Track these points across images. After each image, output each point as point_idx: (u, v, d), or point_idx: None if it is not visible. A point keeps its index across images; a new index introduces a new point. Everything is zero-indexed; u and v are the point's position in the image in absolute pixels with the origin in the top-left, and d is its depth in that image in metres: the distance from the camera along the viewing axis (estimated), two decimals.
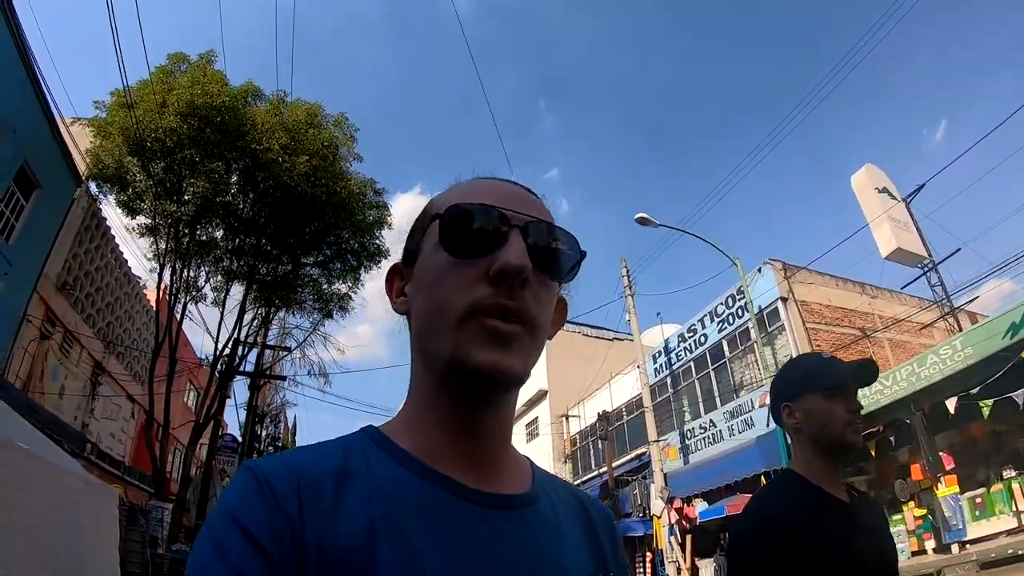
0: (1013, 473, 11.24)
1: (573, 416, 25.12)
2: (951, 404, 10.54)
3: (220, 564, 0.47)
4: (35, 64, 10.38)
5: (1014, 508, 10.85)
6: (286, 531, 0.50)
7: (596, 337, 28.34)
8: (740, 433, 16.27)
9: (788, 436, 1.51)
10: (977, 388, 10.04)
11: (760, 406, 15.45)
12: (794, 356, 1.62)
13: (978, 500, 11.58)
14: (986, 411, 10.18)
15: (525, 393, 28.83)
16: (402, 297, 0.68)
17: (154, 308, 16.37)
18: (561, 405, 26.11)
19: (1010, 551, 9.89)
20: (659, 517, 16.57)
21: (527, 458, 0.73)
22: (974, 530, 11.25)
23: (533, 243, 0.60)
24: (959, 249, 13.30)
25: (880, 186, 13.76)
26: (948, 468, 11.42)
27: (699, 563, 15.61)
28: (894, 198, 13.70)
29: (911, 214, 13.78)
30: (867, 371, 1.46)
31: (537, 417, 28.11)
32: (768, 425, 14.19)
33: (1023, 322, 9.67)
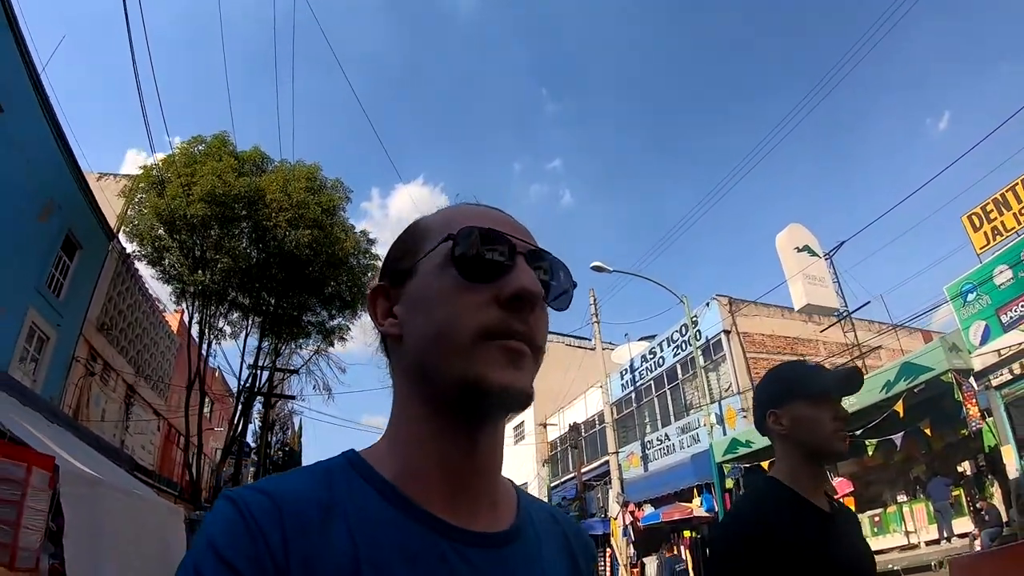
0: (905, 499, 13.35)
1: (552, 424, 27.31)
2: None
3: None
4: (69, 139, 12.63)
5: (904, 528, 12.96)
6: (270, 567, 0.49)
7: (577, 347, 30.50)
8: (688, 447, 18.43)
9: (772, 443, 1.49)
10: (860, 431, 12.07)
11: (703, 426, 17.59)
12: (774, 368, 1.60)
13: (876, 519, 13.71)
14: (870, 449, 12.25)
15: None
16: (390, 319, 0.66)
17: (174, 330, 18.82)
18: (543, 410, 28.35)
19: (904, 564, 12.03)
20: (615, 519, 18.85)
21: (512, 483, 0.72)
22: (873, 544, 13.35)
23: (535, 270, 0.62)
24: (868, 302, 15.35)
25: (801, 244, 15.68)
26: (847, 491, 13.43)
27: (645, 560, 17.88)
28: (815, 254, 15.65)
29: (834, 267, 15.77)
30: (853, 380, 1.47)
31: (523, 422, 30.42)
32: (713, 439, 16.30)
33: (898, 378, 11.69)
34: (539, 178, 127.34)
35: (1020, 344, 10.80)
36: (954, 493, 12.24)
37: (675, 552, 16.58)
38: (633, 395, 22.05)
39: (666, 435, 19.79)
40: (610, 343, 29.39)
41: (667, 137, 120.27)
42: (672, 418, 19.69)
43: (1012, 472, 10.75)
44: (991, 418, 11.07)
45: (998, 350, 11.21)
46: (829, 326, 19.22)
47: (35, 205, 11.26)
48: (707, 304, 18.70)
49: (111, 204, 14.57)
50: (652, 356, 21.19)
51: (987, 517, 10.92)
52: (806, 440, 1.40)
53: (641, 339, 26.00)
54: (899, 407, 11.32)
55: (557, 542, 0.70)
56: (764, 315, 18.90)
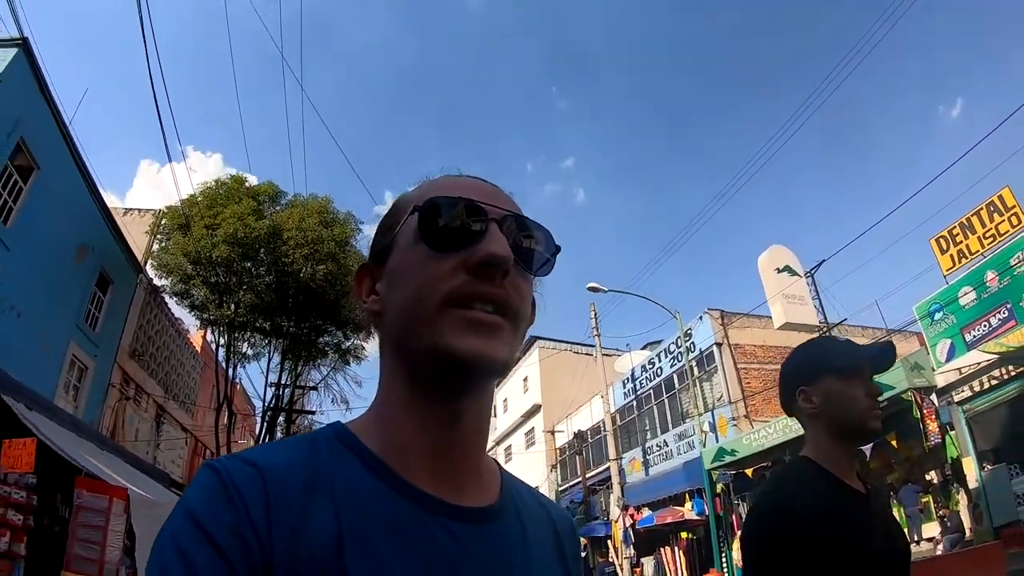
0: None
1: (559, 431, 28.30)
2: None
3: (182, 570, 0.46)
4: (98, 184, 13.89)
5: None
6: (251, 539, 0.48)
7: (585, 354, 31.41)
8: (685, 453, 19.28)
9: (801, 423, 1.42)
10: None
11: (697, 433, 18.43)
12: (801, 344, 1.51)
13: None
14: None
15: (522, 406, 32.32)
16: (373, 296, 0.66)
17: (198, 349, 20.18)
18: (553, 416, 29.33)
19: None
20: (616, 522, 19.81)
21: (497, 463, 0.73)
22: None
23: (510, 237, 0.61)
24: (845, 319, 16.00)
25: (782, 265, 16.43)
26: None
27: (643, 559, 18.84)
28: (796, 274, 16.41)
29: (816, 285, 16.51)
30: (886, 355, 1.43)
31: (534, 428, 31.45)
32: (704, 446, 17.14)
33: None
34: (553, 177, 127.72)
35: (979, 363, 11.55)
36: (923, 500, 13.01)
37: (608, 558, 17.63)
38: (634, 403, 22.94)
39: (664, 441, 20.67)
40: (616, 350, 30.40)
41: (680, 130, 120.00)
42: (670, 425, 20.55)
43: (972, 482, 11.51)
44: (954, 431, 11.83)
45: (959, 368, 11.96)
46: (818, 335, 19.89)
47: (71, 249, 12.55)
48: (700, 318, 19.52)
49: (136, 239, 15.88)
50: (651, 366, 22.06)
51: (949, 524, 11.72)
52: (839, 418, 1.34)
53: (645, 346, 26.90)
54: None
55: (543, 523, 0.70)
56: (756, 326, 19.62)
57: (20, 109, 10.65)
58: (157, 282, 15.81)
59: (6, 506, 5.93)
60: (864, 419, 1.34)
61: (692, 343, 19.55)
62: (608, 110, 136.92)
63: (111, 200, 16.14)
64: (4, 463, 5.90)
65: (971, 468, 11.54)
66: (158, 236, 15.39)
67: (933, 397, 11.85)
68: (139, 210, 16.57)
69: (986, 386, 11.59)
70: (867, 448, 12.45)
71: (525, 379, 32.91)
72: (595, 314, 22.16)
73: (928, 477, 13.14)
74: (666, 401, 21.00)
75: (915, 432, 12.18)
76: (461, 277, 0.58)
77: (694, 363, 19.24)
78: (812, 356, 1.45)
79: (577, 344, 31.80)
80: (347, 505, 0.54)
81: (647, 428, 22.20)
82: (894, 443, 12.28)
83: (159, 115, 12.68)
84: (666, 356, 21.04)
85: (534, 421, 31.50)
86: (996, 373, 11.42)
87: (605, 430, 21.14)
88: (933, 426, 11.47)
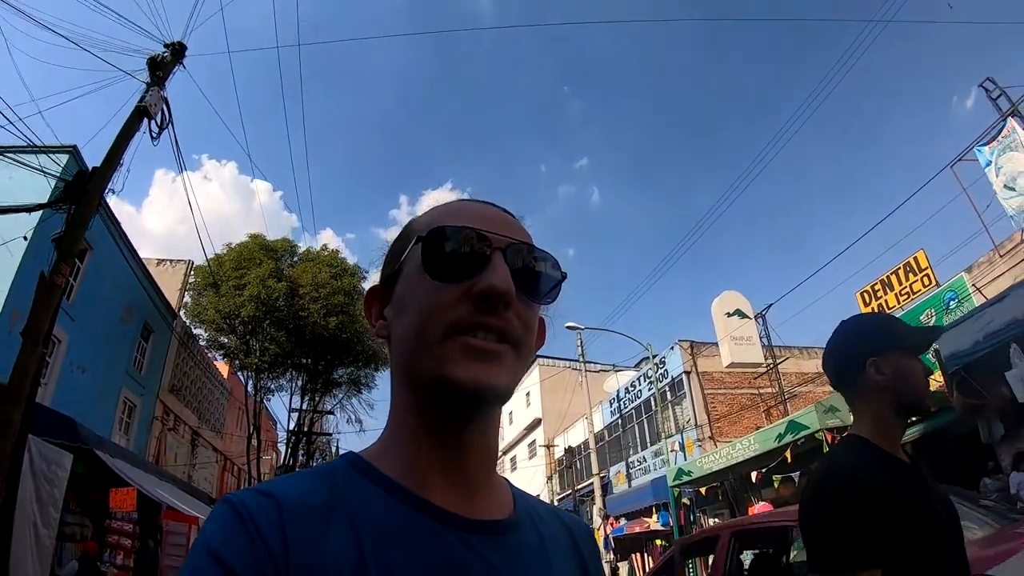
0: None
1: (554, 445, 30.55)
2: (753, 475, 15.45)
3: None
4: (137, 251, 16.45)
5: None
6: (270, 569, 0.49)
7: (591, 371, 33.59)
8: (659, 469, 21.33)
9: (853, 396, 1.39)
10: (764, 469, 14.88)
11: (671, 451, 20.50)
12: (853, 318, 1.48)
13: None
14: (776, 483, 15.03)
15: (525, 419, 34.66)
16: (381, 321, 0.68)
17: (225, 376, 22.83)
18: (552, 429, 31.55)
19: None
20: (598, 530, 22.01)
21: (507, 480, 0.73)
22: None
23: (515, 265, 0.61)
24: (787, 358, 17.81)
25: (731, 309, 18.37)
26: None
27: (619, 564, 21.03)
28: (746, 316, 18.33)
29: (766, 325, 18.41)
30: (933, 338, 1.44)
31: (535, 440, 33.74)
32: (670, 465, 19.20)
33: (786, 432, 14.43)
34: (567, 178, 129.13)
35: None
36: None
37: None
38: (620, 420, 25.02)
39: (644, 457, 22.74)
40: (613, 365, 32.55)
41: (694, 126, 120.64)
42: (648, 443, 22.61)
43: None
44: None
45: None
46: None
47: (119, 311, 15.11)
48: (672, 348, 21.54)
49: (169, 286, 18.50)
50: (633, 388, 24.11)
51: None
52: (906, 392, 1.32)
53: (640, 362, 28.95)
54: (788, 454, 14.10)
55: (560, 535, 0.71)
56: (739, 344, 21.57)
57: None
58: (193, 330, 18.45)
59: (119, 535, 8.99)
60: (925, 396, 1.34)
61: (665, 370, 21.58)
62: (619, 105, 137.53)
63: (144, 250, 18.90)
64: (113, 505, 8.54)
65: None
66: (189, 290, 17.98)
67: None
68: (171, 261, 19.22)
69: None
70: (796, 475, 14.45)
71: (527, 394, 35.18)
72: (581, 342, 24.28)
73: None
74: (645, 421, 23.05)
75: None
76: (464, 307, 0.59)
77: (667, 388, 21.29)
78: (880, 328, 1.41)
79: (576, 361, 33.98)
80: (365, 526, 0.54)
81: (631, 444, 24.27)
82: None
83: (190, 207, 15.10)
84: (645, 380, 23.08)
85: (535, 434, 33.78)
86: None
87: (588, 449, 23.28)
88: None
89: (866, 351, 1.37)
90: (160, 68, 7.09)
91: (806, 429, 13.89)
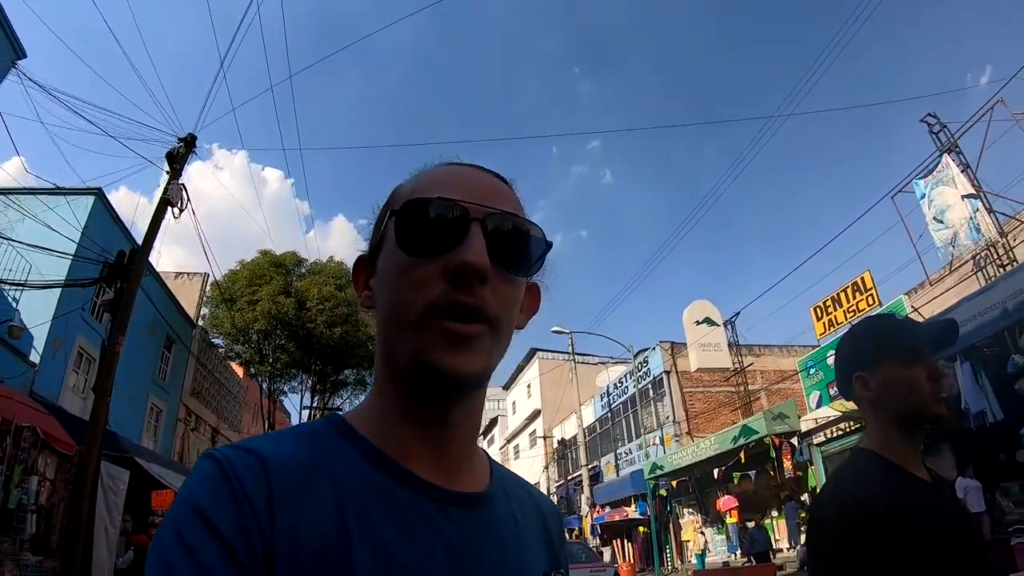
0: (776, 514, 17.69)
1: (551, 437, 32.44)
2: (715, 472, 17.08)
3: (185, 561, 0.46)
4: (159, 272, 18.29)
5: (774, 536, 17.35)
6: (254, 529, 0.49)
7: (581, 363, 35.23)
8: (643, 461, 23.05)
9: (860, 409, 1.34)
10: (724, 467, 16.48)
11: (652, 445, 22.19)
12: (857, 323, 1.41)
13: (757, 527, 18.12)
14: (736, 479, 16.65)
15: (525, 410, 36.57)
16: (367, 291, 0.67)
17: (240, 376, 24.78)
18: (551, 420, 33.40)
19: (778, 560, 16.48)
20: (585, 516, 23.87)
21: (486, 453, 0.74)
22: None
23: (494, 237, 0.59)
24: (752, 363, 19.26)
25: (701, 318, 19.86)
26: (732, 506, 17.83)
27: (603, 548, 22.90)
28: (715, 324, 19.80)
29: (735, 332, 19.90)
30: (949, 334, 1.34)
31: (535, 430, 35.65)
32: (649, 458, 20.89)
33: (740, 435, 16.00)
34: (579, 159, 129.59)
35: (828, 417, 14.91)
36: (801, 515, 16.50)
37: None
38: (609, 414, 26.73)
39: (630, 450, 24.47)
40: (610, 357, 34.20)
41: (703, 103, 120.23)
42: (634, 436, 24.31)
43: None
44: (813, 466, 15.26)
45: (816, 418, 15.34)
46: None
47: (145, 328, 16.92)
48: (654, 348, 23.10)
49: (187, 297, 20.34)
50: (621, 384, 25.75)
51: (803, 537, 15.28)
52: (900, 406, 1.25)
53: (638, 353, 30.61)
54: (742, 455, 15.69)
55: (530, 511, 0.72)
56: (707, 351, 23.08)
57: (102, 240, 14.95)
58: (211, 339, 20.39)
59: None
60: (927, 405, 1.23)
61: (648, 369, 23.18)
62: (630, 85, 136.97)
63: (162, 263, 20.85)
64: (155, 505, 10.39)
65: None
66: (206, 304, 19.88)
67: (795, 440, 15.27)
68: (188, 274, 21.13)
69: (838, 433, 14.96)
70: (752, 473, 16.06)
71: (528, 386, 37.06)
72: (572, 344, 25.94)
73: (803, 498, 16.63)
74: (631, 416, 24.73)
75: (780, 465, 15.70)
76: (441, 286, 0.57)
77: (649, 386, 22.92)
78: (870, 339, 1.33)
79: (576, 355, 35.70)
80: (347, 490, 0.55)
81: (620, 436, 26.00)
82: (771, 471, 15.81)
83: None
84: (631, 377, 24.71)
85: (536, 424, 35.67)
86: (843, 425, 14.78)
87: (578, 443, 25.05)
88: (788, 464, 14.96)
89: (852, 367, 1.33)
90: (176, 160, 8.68)
91: (756, 434, 15.48)
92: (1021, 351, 10.06)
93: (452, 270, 0.57)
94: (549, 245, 0.65)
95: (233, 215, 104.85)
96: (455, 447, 0.64)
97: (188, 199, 8.82)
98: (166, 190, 8.47)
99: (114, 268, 7.85)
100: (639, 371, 23.32)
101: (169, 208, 8.50)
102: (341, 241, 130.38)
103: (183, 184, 8.70)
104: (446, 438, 0.63)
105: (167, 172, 8.69)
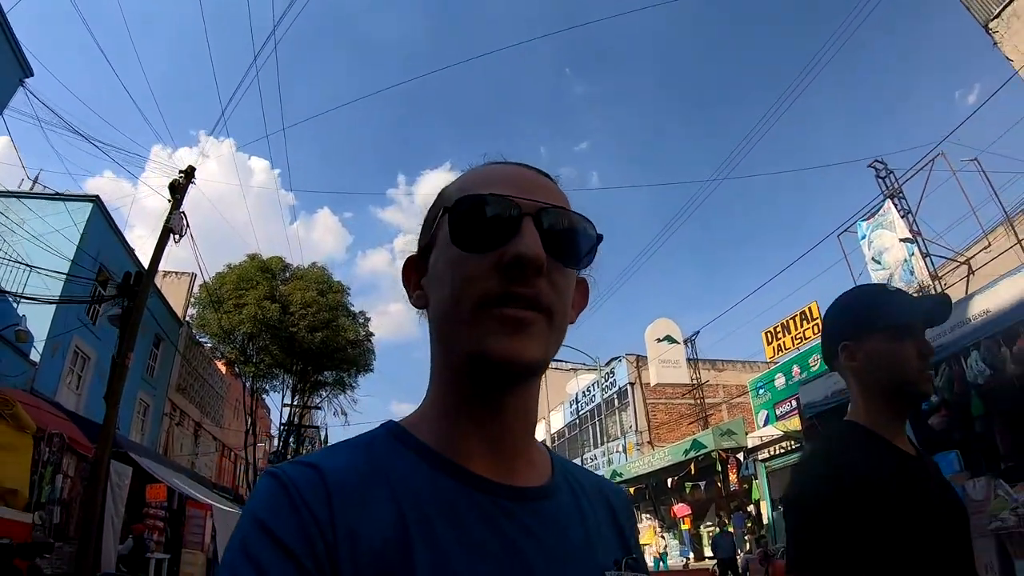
0: (726, 522, 18.97)
1: None
2: (669, 481, 18.34)
3: (248, 569, 0.48)
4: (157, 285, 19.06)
5: None
6: (317, 537, 0.50)
7: (553, 368, 36.43)
8: (607, 467, 24.30)
9: (845, 380, 1.33)
10: (677, 477, 17.72)
11: (616, 452, 23.46)
12: (848, 292, 1.37)
13: (709, 533, 19.39)
14: (688, 488, 17.91)
15: None
16: (418, 291, 0.68)
17: (224, 372, 25.63)
18: None
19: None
20: None
21: (546, 446, 0.74)
22: (705, 550, 19.15)
23: (547, 230, 0.60)
24: (707, 381, 20.61)
25: (662, 335, 21.17)
26: (686, 513, 19.10)
27: None
28: (676, 341, 21.10)
29: (695, 349, 21.24)
30: (942, 308, 1.29)
31: None
32: (612, 465, 22.10)
33: (691, 448, 17.25)
34: (568, 160, 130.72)
35: (772, 435, 16.18)
36: (747, 524, 17.82)
37: None
38: (577, 420, 27.98)
39: (595, 456, 25.73)
40: (583, 364, 35.33)
41: (694, 104, 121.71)
42: (599, 443, 25.59)
43: (765, 519, 16.24)
44: (757, 480, 16.55)
45: (761, 436, 16.62)
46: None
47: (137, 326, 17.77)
48: (620, 360, 24.37)
49: (175, 295, 21.16)
50: (588, 393, 27.02)
51: (748, 545, 16.54)
52: (886, 378, 1.24)
53: (610, 361, 31.82)
54: (692, 467, 16.94)
55: (598, 500, 0.72)
56: (668, 366, 24.36)
57: (99, 245, 15.78)
58: (198, 338, 21.26)
59: (155, 519, 12.13)
60: (913, 382, 1.23)
61: (614, 380, 24.44)
62: (623, 88, 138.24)
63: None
64: (149, 497, 11.65)
65: (765, 508, 16.28)
66: (194, 304, 20.76)
67: (740, 455, 16.54)
68: (176, 273, 21.99)
69: (781, 451, 16.23)
70: (702, 484, 17.32)
71: None
72: None
73: (750, 509, 17.95)
74: (597, 423, 26.00)
75: (726, 478, 16.99)
76: (494, 278, 0.58)
77: (615, 396, 24.18)
78: (858, 308, 1.32)
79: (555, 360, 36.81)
80: (406, 494, 0.55)
81: (586, 442, 27.27)
82: (719, 483, 17.07)
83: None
84: (598, 387, 25.97)
85: None
86: (784, 444, 16.06)
87: (563, 438, 26.27)
88: (733, 477, 16.24)
89: (838, 336, 1.31)
90: (177, 191, 9.63)
91: (705, 448, 16.74)
92: (936, 390, 11.34)
93: (508, 261, 0.58)
94: (599, 238, 0.66)
95: (220, 203, 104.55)
96: (513, 442, 0.64)
97: (188, 226, 9.77)
98: (168, 219, 9.42)
99: (121, 288, 8.78)
100: (606, 381, 24.53)
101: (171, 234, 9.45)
102: (326, 235, 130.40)
103: (183, 212, 9.64)
104: (504, 433, 0.63)
105: (169, 201, 9.61)
